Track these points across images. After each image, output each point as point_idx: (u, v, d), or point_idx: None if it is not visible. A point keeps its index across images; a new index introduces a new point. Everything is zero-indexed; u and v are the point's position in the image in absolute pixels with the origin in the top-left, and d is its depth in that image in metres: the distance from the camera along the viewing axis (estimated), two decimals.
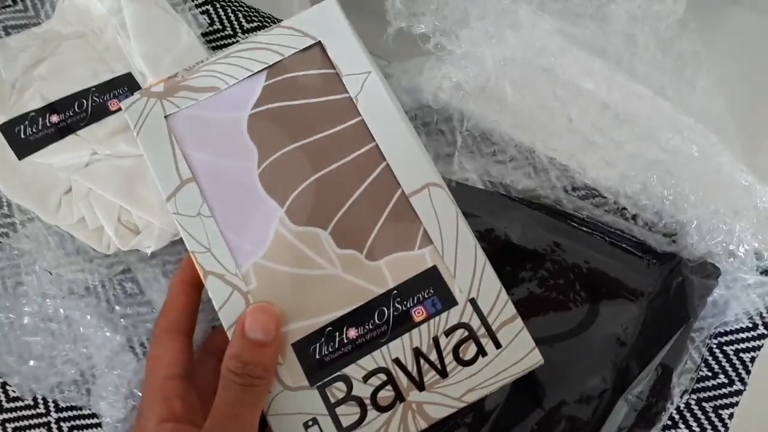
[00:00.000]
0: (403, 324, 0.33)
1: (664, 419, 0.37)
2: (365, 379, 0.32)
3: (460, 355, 0.32)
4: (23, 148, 0.39)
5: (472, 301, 0.33)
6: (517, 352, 0.32)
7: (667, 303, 0.39)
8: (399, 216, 0.34)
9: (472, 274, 0.33)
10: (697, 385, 0.39)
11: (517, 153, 0.42)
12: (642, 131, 0.39)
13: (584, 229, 0.40)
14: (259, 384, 0.30)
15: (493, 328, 0.32)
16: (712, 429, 0.39)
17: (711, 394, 0.39)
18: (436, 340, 0.32)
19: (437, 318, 0.33)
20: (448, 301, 0.33)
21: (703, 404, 0.39)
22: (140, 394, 0.36)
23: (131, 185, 0.39)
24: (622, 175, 0.39)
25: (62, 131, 0.40)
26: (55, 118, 0.40)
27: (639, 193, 0.39)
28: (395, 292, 0.33)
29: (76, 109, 0.40)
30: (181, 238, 0.40)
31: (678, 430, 0.38)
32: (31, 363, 0.36)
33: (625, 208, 0.41)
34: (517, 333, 0.32)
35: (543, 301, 0.39)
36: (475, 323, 0.32)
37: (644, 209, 0.40)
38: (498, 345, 0.32)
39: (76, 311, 0.37)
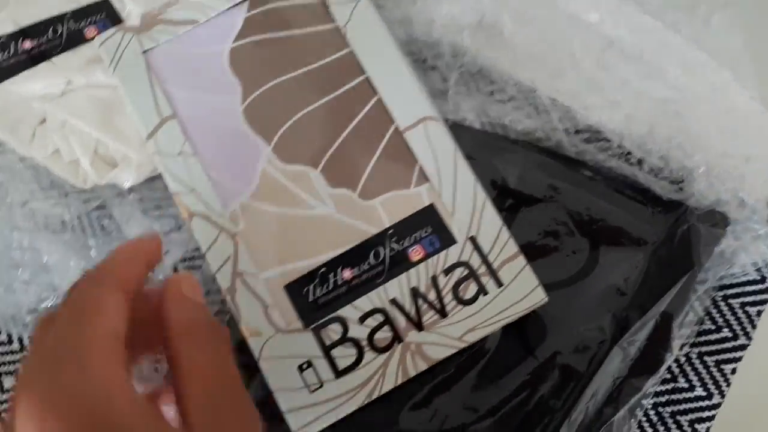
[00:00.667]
0: (400, 264, 0.31)
1: (662, 371, 0.35)
2: (361, 320, 0.31)
3: (460, 294, 0.31)
4: None
5: (472, 239, 0.31)
6: (520, 291, 0.31)
7: (671, 252, 0.37)
8: (393, 153, 0.33)
9: (471, 212, 0.31)
10: (700, 339, 0.37)
11: (517, 92, 0.40)
12: (649, 68, 0.37)
13: (587, 173, 0.38)
14: None
15: (494, 266, 0.31)
16: (713, 383, 0.37)
17: (714, 348, 0.37)
18: (434, 279, 0.31)
19: (435, 257, 0.31)
20: (446, 239, 0.32)
21: (705, 358, 0.37)
22: None
23: (109, 116, 0.37)
24: (628, 116, 0.37)
25: (35, 58, 0.38)
26: (27, 44, 0.38)
27: (645, 135, 0.37)
28: (391, 231, 0.32)
29: (50, 36, 0.38)
30: (160, 174, 0.38)
31: (677, 383, 0.37)
32: None
33: (629, 153, 0.39)
34: (519, 271, 0.31)
35: (540, 248, 0.37)
36: (476, 261, 0.31)
37: (650, 153, 0.38)
38: (499, 283, 0.31)
39: (44, 243, 0.35)
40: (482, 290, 0.31)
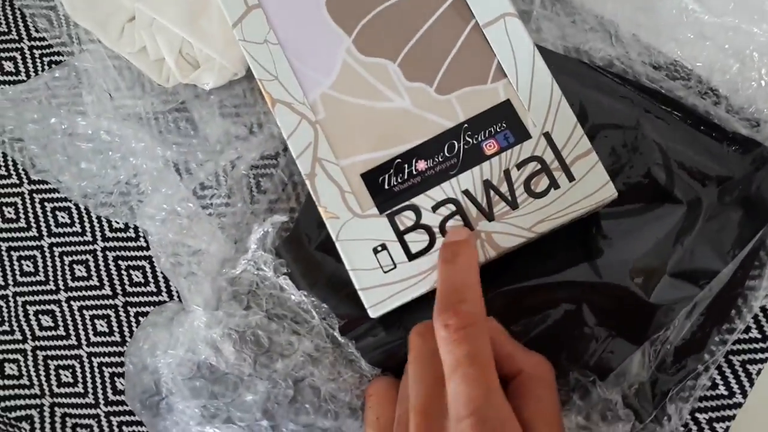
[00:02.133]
0: (474, 157, 0.32)
1: (739, 324, 0.35)
2: (434, 209, 0.32)
3: (532, 187, 0.31)
4: None
5: (546, 135, 0.32)
6: (591, 185, 0.31)
7: (746, 196, 0.36)
8: (471, 48, 0.33)
9: (547, 109, 0.32)
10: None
11: (598, 24, 0.39)
12: (749, 2, 0.36)
13: (665, 107, 0.37)
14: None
15: (567, 161, 0.31)
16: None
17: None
18: (507, 172, 0.32)
19: (509, 151, 0.32)
20: (521, 134, 0.32)
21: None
22: (183, 211, 0.35)
23: (195, 17, 0.38)
24: (719, 49, 0.36)
25: None
26: None
27: (735, 72, 0.36)
28: (466, 125, 0.32)
29: None
30: (239, 79, 0.39)
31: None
32: (82, 165, 0.36)
33: (710, 91, 0.38)
34: (591, 167, 0.31)
35: (613, 173, 0.37)
36: (549, 157, 0.31)
37: (737, 92, 0.37)
38: (571, 178, 0.31)
39: (129, 129, 0.36)
40: (554, 184, 0.31)
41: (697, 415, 0.36)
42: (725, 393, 0.36)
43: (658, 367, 0.35)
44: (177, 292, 0.39)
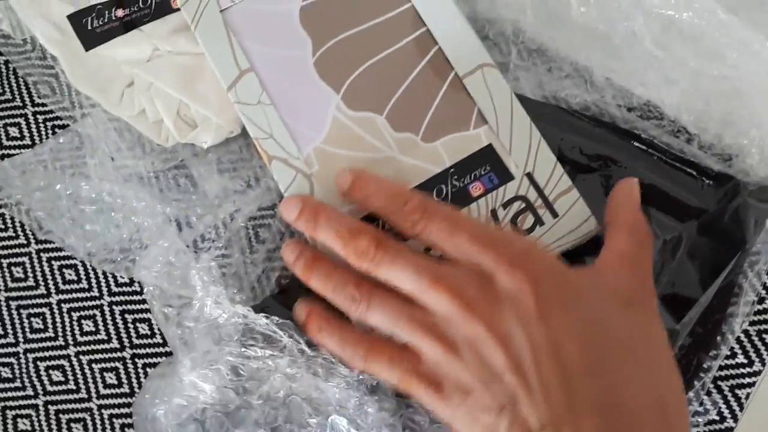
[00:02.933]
0: (462, 199, 0.34)
1: (723, 350, 0.36)
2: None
3: (518, 224, 0.33)
4: (90, 39, 0.41)
5: (529, 175, 0.34)
6: (574, 220, 0.33)
7: (721, 227, 0.38)
8: (453, 97, 0.35)
9: (527, 150, 0.34)
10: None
11: (573, 71, 0.41)
12: (708, 49, 0.38)
13: (640, 146, 0.39)
14: None
15: (550, 199, 0.33)
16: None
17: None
18: (494, 212, 0.33)
19: (494, 192, 0.34)
20: (504, 176, 0.34)
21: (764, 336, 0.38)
22: (177, 262, 0.37)
23: (191, 81, 0.40)
24: (684, 92, 0.38)
25: (127, 25, 0.41)
26: (120, 12, 0.41)
27: (701, 112, 0.38)
28: (452, 170, 0.34)
29: (141, 5, 0.41)
30: (235, 136, 0.41)
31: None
32: (87, 227, 0.38)
33: (681, 129, 0.40)
34: (573, 203, 0.33)
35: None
36: (532, 195, 0.33)
37: (705, 130, 0.39)
38: (555, 214, 0.33)
39: (131, 191, 0.38)
40: (539, 221, 0.33)
41: None
42: (716, 418, 0.37)
43: None
44: None
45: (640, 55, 0.38)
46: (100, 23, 0.41)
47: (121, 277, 0.41)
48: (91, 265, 0.41)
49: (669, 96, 0.38)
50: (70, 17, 0.41)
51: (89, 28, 0.41)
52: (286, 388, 0.34)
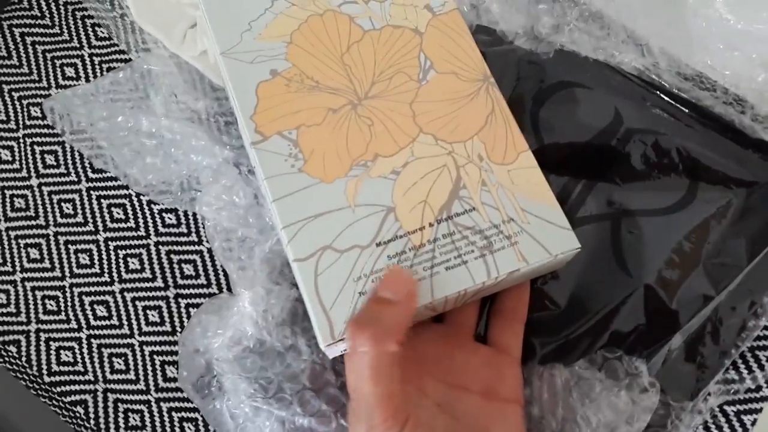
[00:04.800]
0: None
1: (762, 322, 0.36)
2: None
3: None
4: None
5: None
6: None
7: None
8: None
9: None
10: None
11: (629, 38, 0.42)
12: None
13: (693, 114, 0.40)
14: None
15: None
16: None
17: None
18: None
19: None
20: None
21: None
22: (240, 201, 0.37)
23: None
24: (748, 59, 0.38)
25: None
26: None
27: (761, 81, 0.38)
28: None
29: None
30: None
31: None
32: (148, 160, 0.38)
33: (739, 99, 0.40)
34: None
35: (642, 175, 0.39)
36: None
37: (763, 100, 0.39)
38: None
39: (191, 129, 0.38)
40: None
41: None
42: None
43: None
44: (226, 284, 0.40)
45: (703, 20, 0.38)
46: None
47: (168, 218, 0.42)
48: (148, 199, 0.41)
49: (730, 63, 0.38)
50: None
51: None
52: None
